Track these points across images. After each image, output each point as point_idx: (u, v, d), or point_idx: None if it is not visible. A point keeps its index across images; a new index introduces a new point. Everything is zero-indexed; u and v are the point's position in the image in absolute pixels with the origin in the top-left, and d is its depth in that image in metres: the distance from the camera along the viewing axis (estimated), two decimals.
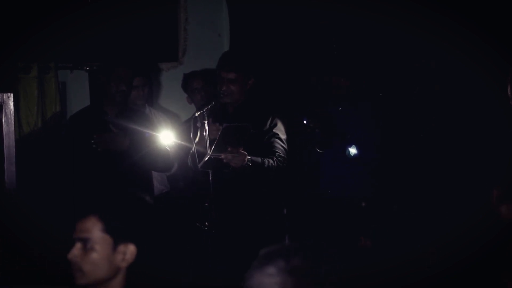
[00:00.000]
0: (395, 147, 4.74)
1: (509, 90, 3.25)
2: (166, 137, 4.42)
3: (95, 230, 2.31)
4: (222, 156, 4.02)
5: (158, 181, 4.88)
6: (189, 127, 4.30)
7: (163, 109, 5.65)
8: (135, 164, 4.33)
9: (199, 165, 4.07)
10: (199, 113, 4.19)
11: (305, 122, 4.61)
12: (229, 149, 4.02)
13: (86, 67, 5.52)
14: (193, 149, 4.17)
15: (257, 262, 1.81)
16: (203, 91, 5.19)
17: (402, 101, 5.09)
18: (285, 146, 4.35)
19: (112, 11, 5.51)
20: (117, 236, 2.34)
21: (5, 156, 3.97)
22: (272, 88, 5.37)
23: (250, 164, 4.07)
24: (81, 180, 4.34)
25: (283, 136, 4.36)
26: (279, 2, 5.54)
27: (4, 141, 3.98)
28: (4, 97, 4.01)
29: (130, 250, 2.36)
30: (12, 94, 4.06)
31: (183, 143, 4.39)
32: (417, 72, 5.12)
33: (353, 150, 4.67)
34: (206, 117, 4.13)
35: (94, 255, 2.31)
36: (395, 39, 5.08)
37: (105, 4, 5.54)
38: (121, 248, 2.34)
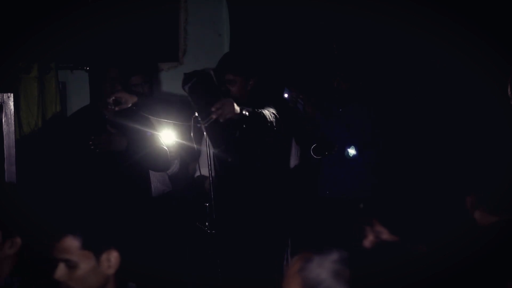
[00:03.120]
0: (395, 148, 4.74)
1: (509, 90, 3.25)
2: (165, 136, 4.42)
3: (73, 249, 2.37)
4: (213, 116, 3.98)
5: (160, 181, 4.88)
6: (189, 127, 4.29)
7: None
8: (133, 164, 4.33)
9: (214, 147, 4.03)
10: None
11: (286, 95, 4.61)
12: (213, 109, 4.00)
13: (86, 67, 5.52)
14: (194, 147, 4.18)
15: (318, 246, 1.84)
16: None
17: (403, 102, 5.09)
18: (276, 113, 4.30)
19: (112, 11, 5.51)
20: (97, 248, 2.38)
21: (5, 156, 3.97)
22: (272, 88, 5.37)
23: (244, 112, 4.02)
24: (80, 180, 4.34)
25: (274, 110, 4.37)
26: (279, 2, 5.54)
27: (4, 141, 3.98)
28: (4, 97, 4.01)
29: (113, 256, 2.41)
30: (12, 94, 4.06)
31: (183, 142, 4.39)
32: (417, 72, 5.12)
33: (352, 151, 4.67)
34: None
35: (79, 272, 2.39)
36: (395, 39, 5.08)
37: (105, 4, 5.53)
38: (104, 257, 2.39)
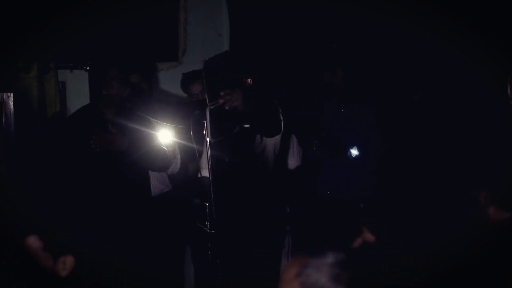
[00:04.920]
0: (396, 148, 4.74)
1: (509, 90, 3.26)
2: (164, 136, 4.41)
3: (35, 248, 2.53)
4: (221, 101, 4.00)
5: (159, 181, 4.87)
6: (189, 126, 4.29)
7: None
8: (133, 164, 4.32)
9: (210, 137, 4.06)
10: (198, 112, 4.18)
11: (314, 148, 4.65)
12: (221, 93, 4.01)
13: (86, 67, 5.52)
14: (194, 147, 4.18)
15: (314, 250, 1.84)
16: (202, 96, 5.18)
17: (403, 101, 5.09)
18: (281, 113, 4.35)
19: (112, 11, 5.51)
20: (56, 251, 2.59)
21: (5, 156, 3.97)
22: (272, 87, 5.37)
23: (250, 108, 4.05)
24: (79, 180, 4.33)
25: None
26: (279, 2, 5.54)
27: (4, 141, 3.98)
28: (4, 96, 4.01)
29: (69, 260, 2.54)
30: (12, 94, 4.06)
31: (183, 142, 4.39)
32: (417, 72, 5.12)
33: (354, 152, 4.67)
34: (205, 117, 4.13)
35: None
36: (395, 39, 5.08)
37: (105, 4, 5.53)
38: (61, 259, 2.53)
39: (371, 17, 5.04)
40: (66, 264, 2.60)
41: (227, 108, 4.00)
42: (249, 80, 4.38)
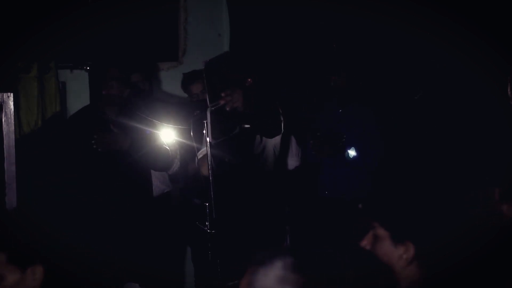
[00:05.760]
0: (395, 149, 4.74)
1: (509, 90, 3.26)
2: (166, 136, 4.42)
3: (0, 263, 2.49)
4: (221, 102, 4.01)
5: (160, 181, 4.88)
6: (189, 126, 4.30)
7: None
8: (134, 163, 4.33)
9: (211, 138, 4.07)
10: (198, 112, 4.19)
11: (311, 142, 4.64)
12: (222, 94, 4.02)
13: (86, 67, 5.52)
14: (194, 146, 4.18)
15: (262, 256, 1.85)
16: (202, 96, 5.19)
17: (403, 102, 5.09)
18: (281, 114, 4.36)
19: (112, 11, 5.51)
20: (23, 262, 2.50)
21: (5, 156, 3.96)
22: (272, 87, 5.37)
23: (251, 108, 4.07)
24: (80, 180, 4.34)
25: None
26: (279, 2, 5.54)
27: (4, 141, 3.97)
28: (4, 97, 4.00)
29: (38, 270, 2.50)
30: (12, 94, 4.05)
31: (183, 141, 4.40)
32: (417, 72, 5.12)
33: (352, 152, 4.67)
34: (206, 117, 4.13)
35: (4, 283, 2.49)
36: (395, 39, 5.08)
37: (105, 4, 5.53)
38: (29, 270, 2.50)
39: (371, 17, 5.04)
40: (36, 274, 2.50)
41: (228, 109, 4.01)
42: (249, 80, 4.38)
